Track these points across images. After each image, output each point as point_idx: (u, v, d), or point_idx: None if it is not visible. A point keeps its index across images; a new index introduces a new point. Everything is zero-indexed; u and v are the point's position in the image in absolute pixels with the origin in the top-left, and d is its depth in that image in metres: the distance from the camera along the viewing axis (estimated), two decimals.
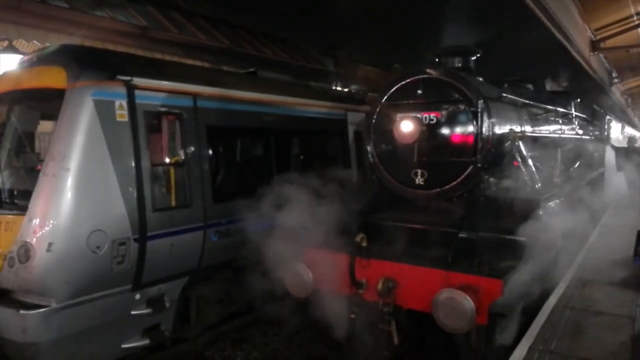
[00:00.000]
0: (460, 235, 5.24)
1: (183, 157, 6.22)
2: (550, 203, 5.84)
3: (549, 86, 9.52)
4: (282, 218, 5.64)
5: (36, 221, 4.94)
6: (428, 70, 5.79)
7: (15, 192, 5.64)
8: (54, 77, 5.47)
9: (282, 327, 7.48)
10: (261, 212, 7.29)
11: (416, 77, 5.79)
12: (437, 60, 6.36)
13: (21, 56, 9.14)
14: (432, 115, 5.59)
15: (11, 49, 10.49)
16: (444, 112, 5.58)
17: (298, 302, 5.83)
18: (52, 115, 5.60)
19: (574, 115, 9.55)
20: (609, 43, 19.34)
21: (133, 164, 5.50)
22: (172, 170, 6.13)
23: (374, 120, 6.12)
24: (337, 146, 9.45)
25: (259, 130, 7.76)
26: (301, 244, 5.50)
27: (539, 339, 4.54)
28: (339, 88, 14.73)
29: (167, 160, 6.20)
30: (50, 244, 4.87)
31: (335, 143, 9.42)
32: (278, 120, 7.93)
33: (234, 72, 9.49)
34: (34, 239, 4.89)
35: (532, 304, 5.42)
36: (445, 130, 5.59)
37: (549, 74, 9.91)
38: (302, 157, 8.63)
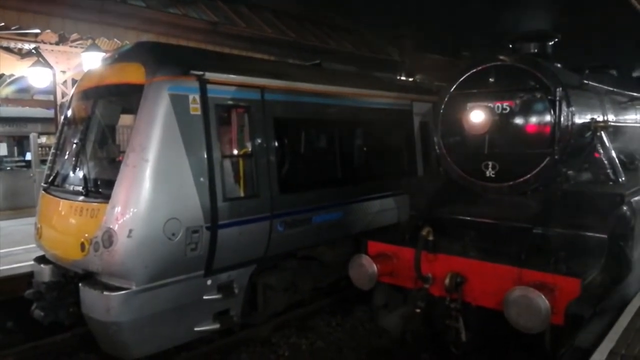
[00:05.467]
0: (534, 230, 5.01)
1: (251, 149, 6.38)
2: (635, 198, 5.43)
3: (636, 72, 8.80)
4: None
5: (118, 209, 5.28)
6: (501, 57, 5.54)
7: (99, 182, 6.03)
8: (133, 73, 5.79)
9: (345, 318, 7.56)
10: (326, 204, 7.39)
11: (488, 65, 5.56)
12: (510, 46, 6.06)
13: (103, 54, 9.81)
14: (505, 104, 5.34)
15: (94, 47, 11.28)
16: (518, 101, 5.31)
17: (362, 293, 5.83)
18: (132, 109, 5.94)
19: None
20: None
21: (205, 156, 5.71)
22: (241, 162, 6.32)
23: (441, 110, 5.96)
24: (402, 137, 9.30)
25: (324, 122, 7.80)
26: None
27: (621, 343, 4.27)
28: (404, 78, 14.45)
29: (237, 151, 6.39)
30: (130, 231, 5.18)
31: (401, 134, 9.28)
32: (342, 111, 7.93)
33: (299, 65, 9.58)
34: (116, 226, 5.22)
35: (614, 305, 5.09)
36: (519, 120, 5.32)
37: (635, 58, 9.16)
38: (366, 148, 8.58)
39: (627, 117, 7.08)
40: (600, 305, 4.89)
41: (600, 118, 5.84)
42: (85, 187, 5.85)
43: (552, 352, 4.57)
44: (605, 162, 5.60)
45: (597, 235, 4.78)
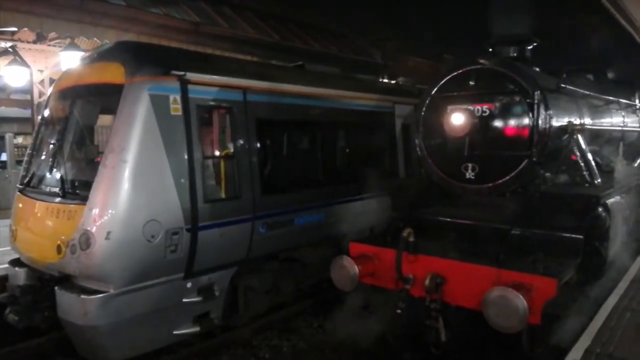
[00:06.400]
0: (512, 232, 5.08)
1: (233, 150, 6.34)
2: (610, 200, 5.55)
3: (612, 76, 9.00)
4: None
5: (96, 211, 5.19)
6: (481, 61, 5.63)
7: (76, 183, 5.92)
8: (113, 73, 5.71)
9: (327, 320, 7.55)
10: (308, 205, 7.39)
11: (468, 68, 5.63)
12: (490, 50, 6.15)
13: (82, 53, 9.65)
14: (485, 107, 5.42)
15: (73, 46, 11.09)
16: (497, 104, 5.40)
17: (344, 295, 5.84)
18: (111, 109, 5.86)
19: (638, 107, 9.00)
20: None
21: (186, 157, 5.67)
22: (222, 163, 6.27)
23: (422, 113, 6.01)
24: (384, 139, 9.36)
25: (306, 123, 7.80)
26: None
27: (596, 341, 4.35)
28: (386, 80, 14.55)
29: (218, 153, 6.34)
30: (108, 233, 5.10)
31: (382, 136, 9.33)
32: (325, 113, 7.94)
33: (282, 66, 9.57)
34: (94, 228, 5.14)
35: (589, 304, 5.18)
36: (498, 123, 5.41)
37: (611, 62, 9.36)
38: (348, 150, 8.61)
39: (603, 120, 7.24)
40: (576, 305, 4.98)
41: (577, 121, 5.96)
42: (62, 188, 5.75)
43: (529, 351, 4.64)
44: (582, 164, 5.71)
45: (573, 236, 4.86)
